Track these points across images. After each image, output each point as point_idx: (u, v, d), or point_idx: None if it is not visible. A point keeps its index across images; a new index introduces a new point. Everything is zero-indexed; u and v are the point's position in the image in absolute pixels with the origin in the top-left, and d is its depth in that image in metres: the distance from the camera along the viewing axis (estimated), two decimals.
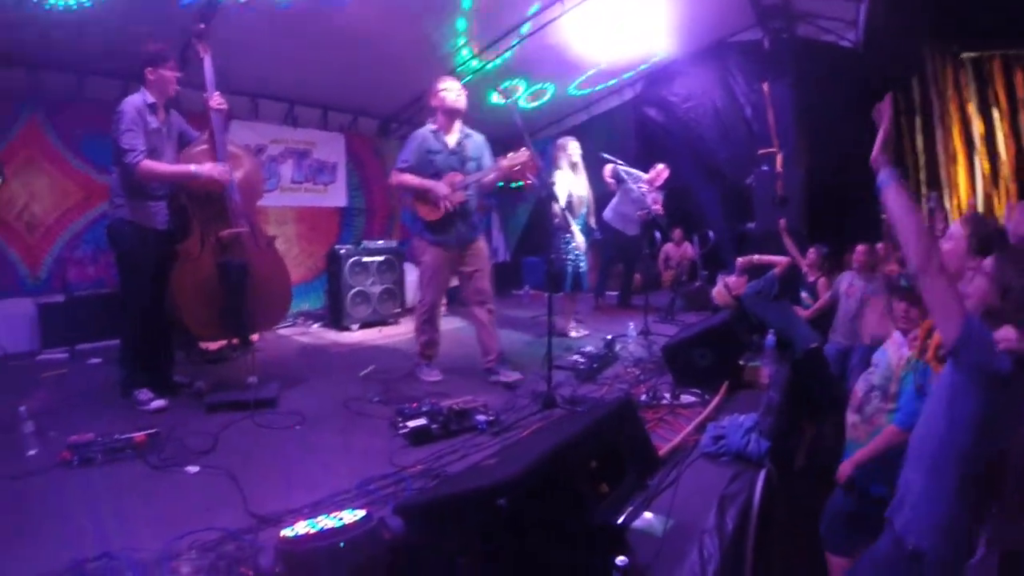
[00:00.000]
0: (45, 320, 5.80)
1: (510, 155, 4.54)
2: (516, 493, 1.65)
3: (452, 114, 4.63)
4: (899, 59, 7.38)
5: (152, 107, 4.00)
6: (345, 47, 6.64)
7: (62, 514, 2.65)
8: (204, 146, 4.20)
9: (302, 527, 1.58)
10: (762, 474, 2.93)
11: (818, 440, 3.71)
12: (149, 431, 3.39)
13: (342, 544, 1.55)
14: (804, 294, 5.97)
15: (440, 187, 4.52)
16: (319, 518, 1.63)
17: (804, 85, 7.80)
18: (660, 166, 7.37)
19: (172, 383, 4.41)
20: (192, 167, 3.99)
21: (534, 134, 10.26)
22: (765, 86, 7.89)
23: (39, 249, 6.03)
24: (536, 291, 9.29)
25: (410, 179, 4.61)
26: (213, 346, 5.27)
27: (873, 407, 2.87)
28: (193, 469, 3.10)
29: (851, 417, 2.99)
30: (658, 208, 7.12)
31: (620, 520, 2.31)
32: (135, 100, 3.94)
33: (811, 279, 5.92)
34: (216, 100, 4.16)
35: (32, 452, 3.26)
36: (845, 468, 2.86)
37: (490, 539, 1.70)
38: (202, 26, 4.22)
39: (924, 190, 7.54)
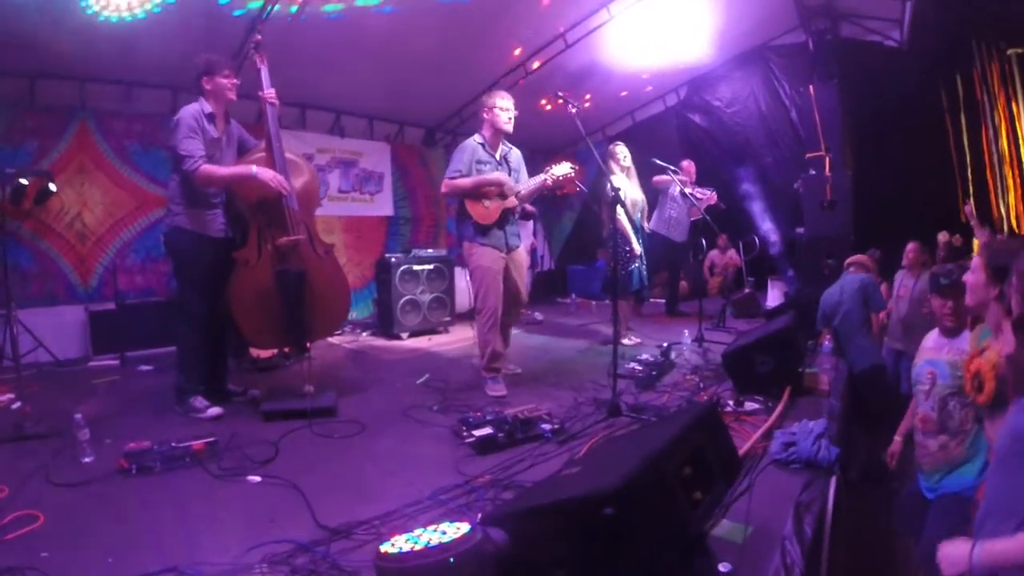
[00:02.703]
0: (96, 327, 5.85)
1: (555, 167, 4.66)
2: (620, 502, 1.53)
3: (500, 134, 4.66)
4: (946, 57, 7.22)
5: (210, 116, 3.98)
6: (391, 58, 6.65)
7: (122, 524, 2.55)
8: (262, 153, 4.18)
9: (402, 542, 1.44)
10: (833, 481, 2.88)
11: (873, 453, 3.59)
12: (207, 439, 3.29)
13: (452, 560, 1.40)
14: None
15: (502, 176, 4.59)
16: (417, 531, 1.49)
17: (849, 86, 7.67)
18: (685, 162, 7.30)
19: (226, 391, 4.35)
20: (252, 168, 3.94)
21: (577, 142, 10.21)
22: (811, 89, 7.69)
23: (90, 258, 6.08)
24: (583, 299, 9.15)
25: (468, 181, 4.55)
26: (264, 354, 5.25)
27: (958, 418, 2.69)
28: (255, 479, 3.00)
29: (934, 442, 2.77)
30: (711, 196, 7.09)
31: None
32: (193, 109, 3.92)
33: None
34: (270, 94, 4.15)
35: (88, 459, 3.19)
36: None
37: (589, 550, 1.59)
38: (259, 38, 4.26)
39: (971, 190, 7.37)
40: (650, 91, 9.62)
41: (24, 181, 5.21)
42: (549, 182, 4.66)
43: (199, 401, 4.00)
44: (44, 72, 5.62)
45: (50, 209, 5.76)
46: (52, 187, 5.50)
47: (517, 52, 7.47)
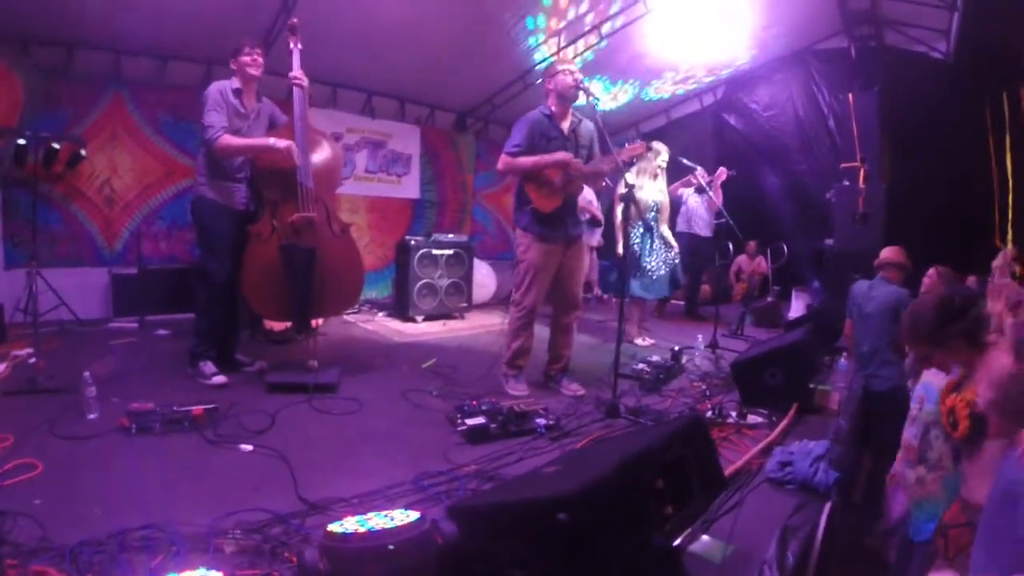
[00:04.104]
0: (117, 290, 6.02)
1: (627, 146, 4.18)
2: (578, 509, 1.52)
3: (568, 100, 4.19)
4: (993, 73, 6.98)
5: (237, 92, 4.11)
6: (424, 42, 6.66)
7: (114, 480, 2.65)
8: (285, 129, 4.27)
9: (351, 523, 1.48)
10: (827, 507, 2.68)
11: (877, 474, 3.47)
12: (208, 406, 3.38)
13: (391, 547, 1.44)
14: None
15: (568, 155, 4.12)
16: (369, 515, 1.52)
17: (890, 97, 7.34)
18: (698, 170, 7.08)
19: (234, 360, 4.47)
20: (271, 140, 4.05)
21: (611, 136, 10.11)
22: (850, 96, 7.51)
23: (117, 223, 6.23)
24: (607, 295, 9.12)
25: (528, 160, 4.12)
26: (278, 327, 5.34)
27: (937, 450, 2.45)
28: (247, 447, 3.07)
29: (912, 473, 2.55)
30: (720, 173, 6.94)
31: (677, 542, 2.18)
32: (221, 84, 4.09)
33: None
34: (298, 76, 4.20)
35: (92, 416, 3.31)
36: None
37: (546, 554, 1.57)
38: (294, 21, 4.33)
39: (1011, 215, 7.12)
40: (686, 89, 9.47)
41: (56, 145, 5.36)
42: (622, 159, 4.09)
43: (208, 367, 4.12)
44: (81, 42, 5.75)
45: (81, 173, 5.91)
46: (83, 152, 5.66)
47: (544, 42, 7.39)
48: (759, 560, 2.21)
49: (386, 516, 1.53)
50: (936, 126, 7.17)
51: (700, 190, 6.95)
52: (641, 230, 6.01)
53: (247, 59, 4.08)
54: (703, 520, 2.44)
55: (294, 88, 4.19)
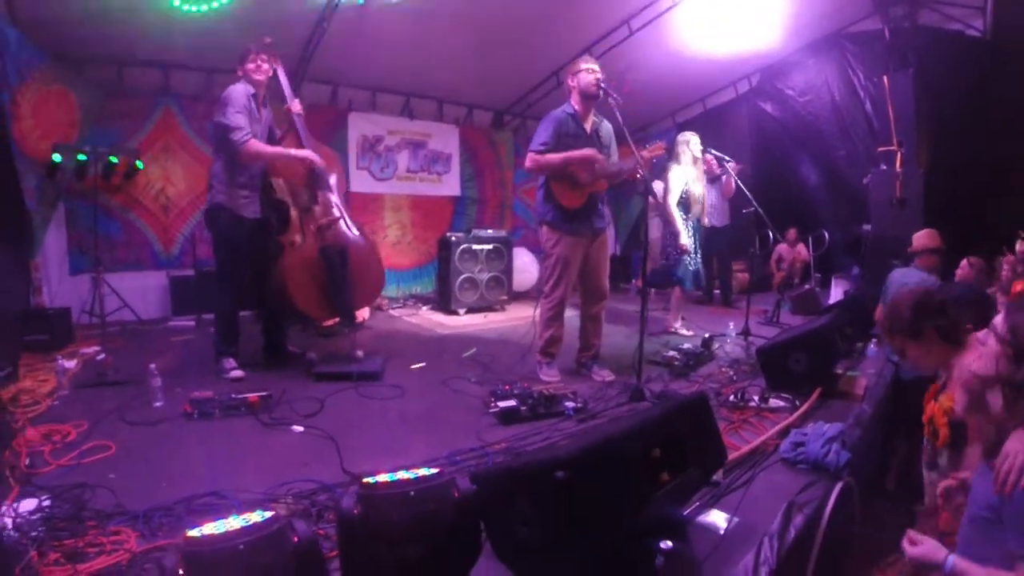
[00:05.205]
0: (175, 291, 6.42)
1: (649, 146, 4.28)
2: (573, 468, 1.71)
3: (591, 98, 4.29)
4: None
5: (254, 96, 4.30)
6: (459, 44, 6.85)
7: (179, 458, 2.95)
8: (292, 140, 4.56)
9: (382, 477, 1.74)
10: (838, 486, 2.73)
11: (910, 461, 3.49)
12: (262, 393, 3.69)
13: (412, 493, 1.70)
14: None
15: (594, 151, 4.22)
16: (399, 472, 1.77)
17: (926, 78, 7.19)
18: (707, 155, 6.85)
19: (285, 352, 4.76)
20: (292, 150, 4.34)
21: (647, 127, 10.21)
22: (886, 79, 7.44)
23: (173, 228, 6.62)
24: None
25: (556, 156, 4.20)
26: (328, 321, 5.62)
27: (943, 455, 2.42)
28: (298, 429, 3.37)
29: (928, 475, 2.51)
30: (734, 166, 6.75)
31: (685, 512, 2.35)
32: (242, 87, 4.24)
33: None
34: (296, 106, 4.45)
35: (158, 404, 3.65)
36: None
37: (546, 510, 1.76)
38: (268, 40, 4.42)
39: None
40: (721, 78, 9.43)
41: (114, 159, 5.73)
42: (643, 156, 4.11)
43: (228, 362, 4.35)
44: (130, 60, 6.11)
45: (137, 184, 6.30)
46: (140, 164, 6.06)
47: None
48: (762, 533, 2.27)
49: (412, 472, 1.77)
50: (975, 106, 6.98)
51: (712, 179, 6.98)
52: (692, 225, 6.07)
53: (251, 66, 4.26)
54: (714, 495, 2.61)
55: (295, 119, 4.46)
